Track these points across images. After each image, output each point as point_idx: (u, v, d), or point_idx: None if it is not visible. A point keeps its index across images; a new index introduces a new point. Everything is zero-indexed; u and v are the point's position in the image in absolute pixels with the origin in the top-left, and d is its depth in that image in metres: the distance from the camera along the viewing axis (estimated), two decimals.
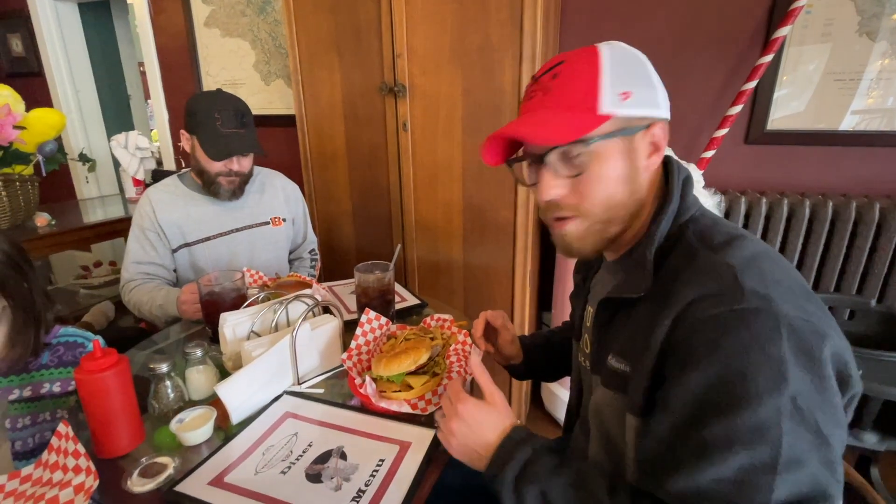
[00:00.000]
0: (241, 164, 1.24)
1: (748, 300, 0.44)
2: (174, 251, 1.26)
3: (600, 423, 0.61)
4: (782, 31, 1.39)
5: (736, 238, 0.52)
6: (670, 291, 0.50)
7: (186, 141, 1.25)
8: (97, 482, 0.58)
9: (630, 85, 0.54)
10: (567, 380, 1.73)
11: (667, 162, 0.60)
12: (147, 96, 3.02)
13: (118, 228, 1.95)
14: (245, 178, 1.28)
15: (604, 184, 0.55)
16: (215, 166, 1.22)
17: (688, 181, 0.59)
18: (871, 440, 1.32)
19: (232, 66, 2.25)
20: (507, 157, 0.64)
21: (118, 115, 2.92)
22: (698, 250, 0.52)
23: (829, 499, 0.41)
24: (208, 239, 1.28)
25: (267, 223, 1.38)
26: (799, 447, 0.41)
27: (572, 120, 0.53)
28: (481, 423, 0.59)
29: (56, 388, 0.82)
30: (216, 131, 1.18)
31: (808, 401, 0.41)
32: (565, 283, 1.69)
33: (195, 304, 1.05)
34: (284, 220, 1.41)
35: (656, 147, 0.56)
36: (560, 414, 1.79)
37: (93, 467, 0.59)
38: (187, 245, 1.26)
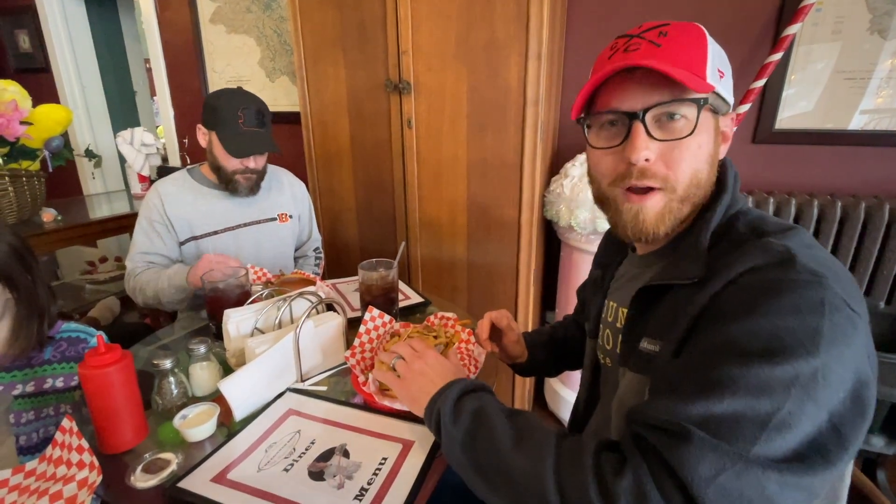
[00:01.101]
0: (258, 161, 1.27)
1: (801, 273, 0.43)
2: (181, 244, 1.27)
3: (622, 416, 0.59)
4: (792, 29, 1.38)
5: (789, 229, 0.51)
6: (717, 270, 0.49)
7: (203, 136, 1.26)
8: (100, 477, 0.58)
9: (724, 67, 0.54)
10: (570, 379, 1.73)
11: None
12: (153, 92, 3.03)
13: (124, 224, 1.96)
14: (261, 175, 1.31)
15: (695, 156, 0.53)
16: (232, 163, 1.23)
17: (737, 176, 0.58)
18: (878, 444, 1.31)
19: (237, 62, 2.25)
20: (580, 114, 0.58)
21: (124, 112, 2.93)
22: (749, 238, 0.51)
23: (810, 472, 0.40)
24: (215, 233, 1.29)
25: (274, 219, 1.38)
26: (797, 416, 0.40)
27: (692, 77, 0.50)
28: (442, 365, 0.67)
29: (59, 384, 0.83)
30: (237, 129, 1.19)
31: (826, 380, 0.41)
32: (569, 282, 1.68)
33: (215, 265, 1.07)
34: (291, 216, 1.42)
35: (726, 137, 0.56)
36: (563, 413, 1.78)
37: (96, 462, 0.59)
38: (195, 238, 1.27)
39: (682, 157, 0.52)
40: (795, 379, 0.40)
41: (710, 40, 0.53)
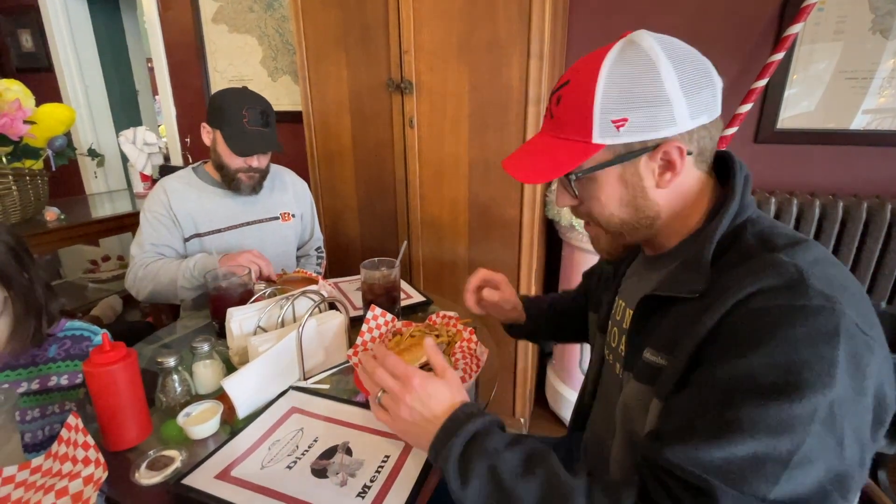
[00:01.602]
0: (261, 161, 1.27)
1: (813, 298, 0.42)
2: (186, 240, 1.27)
3: (626, 421, 0.59)
4: (794, 29, 1.38)
5: (800, 242, 0.49)
6: (725, 286, 0.47)
7: (207, 134, 1.27)
8: (106, 474, 0.58)
9: (626, 109, 0.50)
10: (571, 378, 1.73)
11: (727, 158, 0.57)
12: (155, 92, 3.03)
13: (126, 223, 1.96)
14: (264, 174, 1.31)
15: (600, 206, 0.57)
16: (236, 162, 1.24)
17: (747, 180, 0.56)
18: (880, 444, 1.30)
19: (239, 62, 2.25)
20: None
21: (126, 111, 2.94)
22: (758, 250, 0.49)
23: None
24: (219, 231, 1.29)
25: (276, 218, 1.39)
26: (817, 451, 0.40)
27: (565, 152, 0.54)
28: (431, 396, 0.56)
29: (64, 381, 0.83)
30: (242, 128, 1.20)
31: (844, 410, 0.40)
32: (571, 281, 1.68)
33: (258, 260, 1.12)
34: (294, 215, 1.43)
35: (670, 166, 0.53)
36: (565, 413, 1.79)
37: (102, 459, 0.59)
38: (199, 236, 1.28)
39: (590, 208, 0.59)
40: (814, 413, 0.40)
41: (599, 91, 0.50)
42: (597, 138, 0.52)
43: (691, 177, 0.55)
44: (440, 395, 0.57)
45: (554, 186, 1.57)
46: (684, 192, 0.56)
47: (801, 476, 0.40)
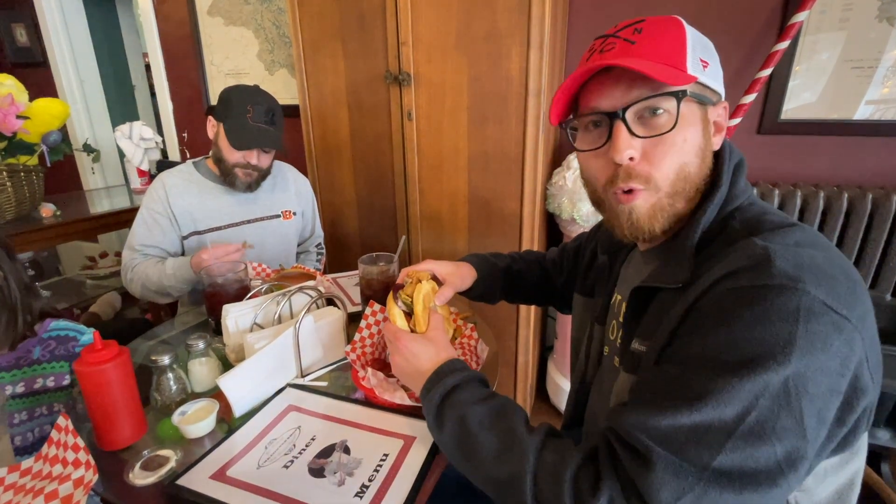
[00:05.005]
0: (261, 159, 1.24)
1: (775, 277, 0.42)
2: (184, 238, 1.25)
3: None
4: (799, 17, 1.35)
5: (785, 226, 0.48)
6: (701, 273, 0.48)
7: (212, 127, 1.25)
8: (96, 476, 0.57)
9: (708, 56, 0.53)
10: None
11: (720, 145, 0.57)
12: (151, 86, 3.00)
13: (124, 219, 1.95)
14: (263, 174, 1.29)
15: (681, 150, 0.51)
16: (234, 156, 1.21)
17: (740, 167, 0.55)
18: (883, 437, 1.30)
19: (235, 55, 2.23)
20: (565, 118, 0.58)
21: (123, 106, 2.91)
22: (742, 237, 0.48)
23: (776, 487, 0.40)
24: (219, 228, 1.27)
25: (278, 216, 1.37)
26: (769, 425, 0.40)
27: (666, 70, 0.49)
28: (417, 355, 0.65)
29: (50, 383, 0.81)
30: (244, 123, 1.18)
31: (802, 388, 0.40)
32: None
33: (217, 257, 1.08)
34: (295, 213, 1.41)
35: (719, 127, 0.55)
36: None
37: (92, 461, 0.58)
38: (198, 233, 1.26)
39: (667, 152, 0.51)
40: (765, 389, 0.40)
41: (689, 31, 0.52)
42: (690, 69, 0.50)
43: (714, 150, 0.56)
44: (425, 354, 0.65)
45: (555, 179, 1.55)
46: (704, 162, 0.54)
47: (749, 448, 0.40)
